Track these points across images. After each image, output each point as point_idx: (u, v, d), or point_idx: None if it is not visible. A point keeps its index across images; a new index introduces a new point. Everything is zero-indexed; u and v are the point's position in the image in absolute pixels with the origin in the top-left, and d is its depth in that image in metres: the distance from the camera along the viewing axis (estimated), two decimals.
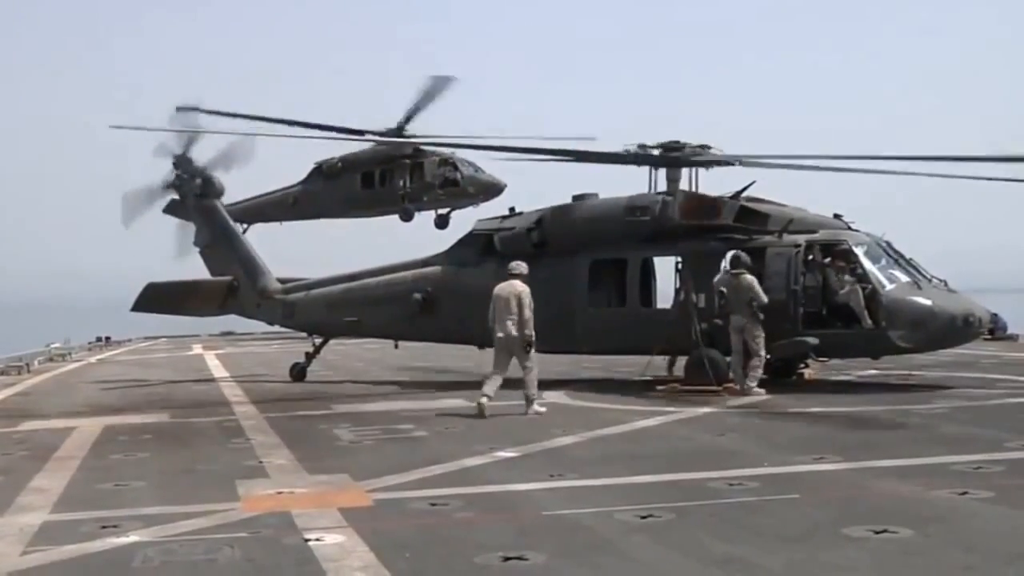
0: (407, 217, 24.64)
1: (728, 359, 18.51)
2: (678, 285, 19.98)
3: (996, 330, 29.87)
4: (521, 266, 17.01)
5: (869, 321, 18.37)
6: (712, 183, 20.95)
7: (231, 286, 25.32)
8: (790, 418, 15.12)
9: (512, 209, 22.01)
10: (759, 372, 18.11)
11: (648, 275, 20.78)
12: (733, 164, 20.94)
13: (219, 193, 26.03)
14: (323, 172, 25.02)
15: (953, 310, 18.45)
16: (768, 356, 18.46)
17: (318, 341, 24.46)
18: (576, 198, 21.47)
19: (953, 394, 17.32)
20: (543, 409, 16.04)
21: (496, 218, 22.04)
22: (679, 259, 20.11)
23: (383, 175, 24.69)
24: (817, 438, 12.89)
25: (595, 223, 20.66)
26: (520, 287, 16.61)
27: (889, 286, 18.62)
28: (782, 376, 19.78)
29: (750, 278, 18.22)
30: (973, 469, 10.29)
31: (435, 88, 23.77)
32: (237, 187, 27.28)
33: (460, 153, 25.37)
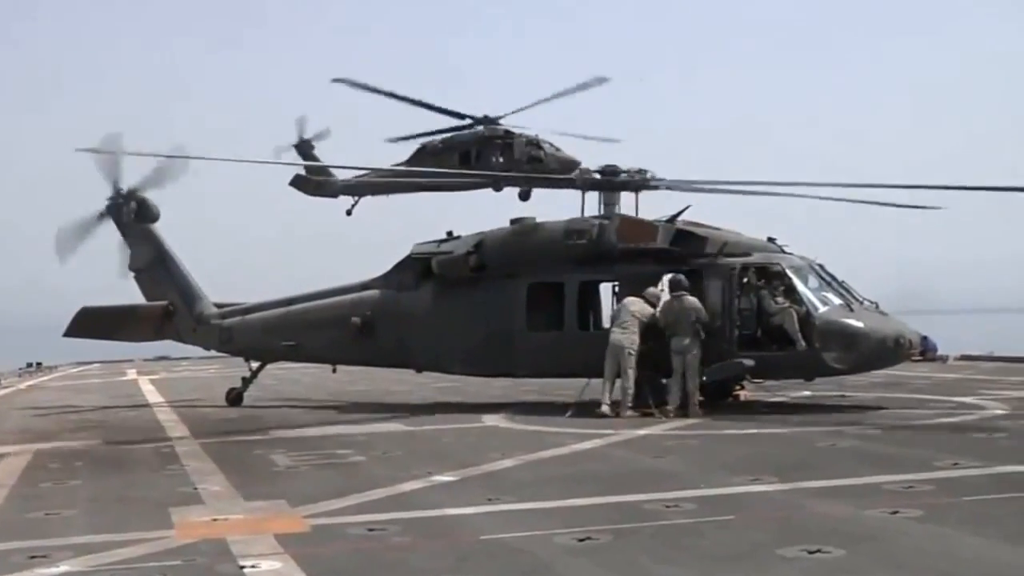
0: (498, 188, 26.53)
1: (664, 381, 18.64)
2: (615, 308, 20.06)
3: (926, 351, 30.32)
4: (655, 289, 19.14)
5: (803, 343, 18.57)
6: (649, 207, 21.16)
7: (167, 311, 25.01)
8: (726, 439, 15.24)
9: (450, 233, 21.98)
10: (698, 394, 18.26)
11: (586, 298, 20.87)
12: (670, 188, 21.17)
13: (155, 217, 25.71)
14: (427, 151, 27.05)
15: (884, 332, 18.73)
16: (704, 378, 18.59)
17: (255, 366, 24.23)
18: (514, 222, 21.54)
19: (885, 415, 17.58)
20: (635, 414, 18.01)
21: (434, 242, 21.97)
22: (616, 282, 20.23)
23: (478, 154, 26.60)
24: (753, 459, 13.00)
25: (533, 247, 20.73)
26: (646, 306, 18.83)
27: (822, 308, 18.86)
28: (718, 398, 19.94)
29: (692, 298, 18.42)
30: (904, 488, 10.44)
31: (587, 85, 25.78)
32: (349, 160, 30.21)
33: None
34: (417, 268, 21.75)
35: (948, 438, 14.63)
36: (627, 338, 18.44)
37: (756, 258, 19.58)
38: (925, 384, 23.48)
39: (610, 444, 14.87)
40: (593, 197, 21.11)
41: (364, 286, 22.53)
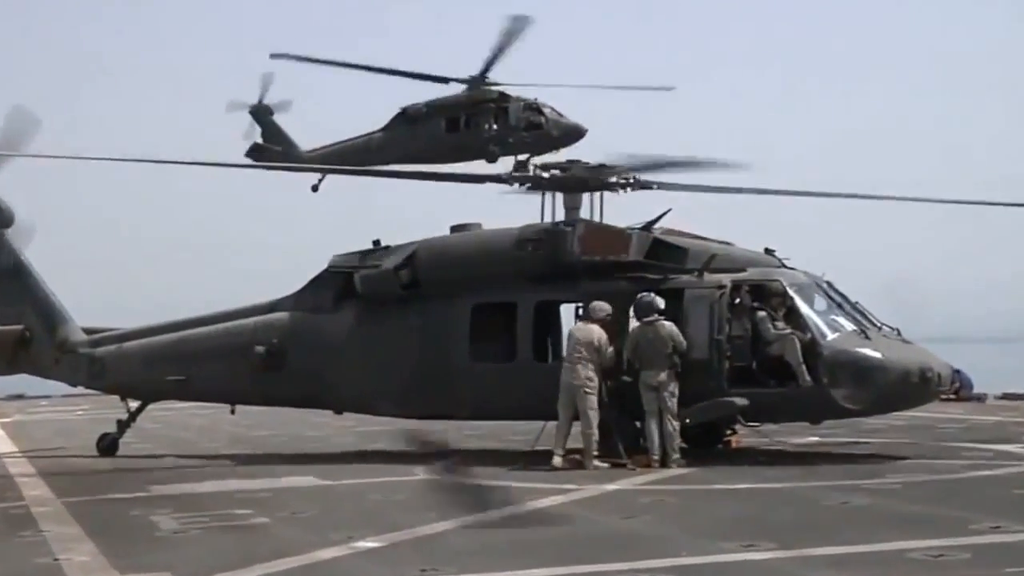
0: (492, 160, 27.14)
1: (638, 423, 18.70)
2: None
3: (960, 388, 30.54)
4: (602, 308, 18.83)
5: (808, 378, 18.66)
6: (620, 210, 21.24)
7: (22, 337, 24.72)
8: (714, 496, 15.35)
9: (377, 242, 21.91)
10: (678, 439, 18.34)
11: (543, 322, 20.89)
12: (647, 188, 21.25)
13: (7, 222, 25.43)
14: (408, 117, 27.46)
15: (907, 364, 18.84)
16: (687, 420, 18.68)
17: (134, 406, 24.01)
18: (455, 229, 21.57)
19: (908, 466, 17.74)
20: (604, 465, 18.03)
21: (356, 253, 21.88)
22: (580, 303, 20.27)
23: (468, 119, 27.27)
24: (747, 520, 13.10)
25: (478, 259, 20.76)
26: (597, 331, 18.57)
27: (831, 335, 18.98)
28: (705, 444, 20.03)
29: (668, 324, 18.47)
30: (933, 557, 10.51)
31: (514, 29, 26.57)
32: (313, 136, 31.16)
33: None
34: (336, 285, 21.67)
35: (986, 495, 14.78)
36: (581, 373, 18.42)
37: (751, 274, 19.68)
38: (958, 428, 23.73)
39: (571, 502, 14.91)
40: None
41: (271, 307, 22.39)
